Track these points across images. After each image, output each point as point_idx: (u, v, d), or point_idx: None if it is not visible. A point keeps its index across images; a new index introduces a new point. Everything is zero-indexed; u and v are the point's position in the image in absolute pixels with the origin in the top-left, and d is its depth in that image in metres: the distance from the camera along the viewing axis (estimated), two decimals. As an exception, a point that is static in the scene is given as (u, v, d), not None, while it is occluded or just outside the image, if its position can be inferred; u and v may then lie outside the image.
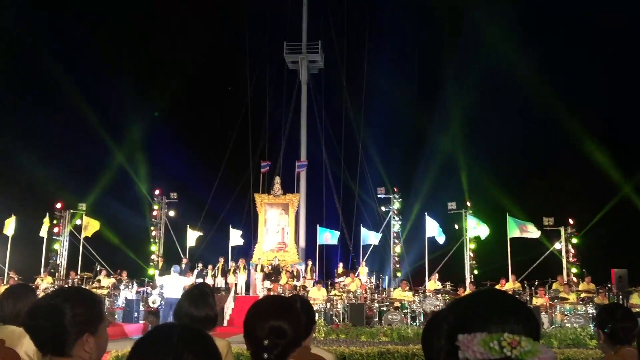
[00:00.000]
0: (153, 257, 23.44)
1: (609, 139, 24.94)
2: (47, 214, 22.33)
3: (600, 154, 24.04)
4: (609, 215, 22.58)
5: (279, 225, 24.54)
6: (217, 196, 27.06)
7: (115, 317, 17.73)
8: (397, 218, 23.44)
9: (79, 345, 1.83)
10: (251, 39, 29.35)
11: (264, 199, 24.68)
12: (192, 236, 23.71)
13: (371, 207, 26.17)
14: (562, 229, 21.31)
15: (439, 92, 29.19)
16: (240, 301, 20.11)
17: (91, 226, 22.63)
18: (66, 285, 16.97)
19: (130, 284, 19.71)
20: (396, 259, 23.05)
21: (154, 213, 24.20)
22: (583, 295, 17.29)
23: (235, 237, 23.94)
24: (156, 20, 29.49)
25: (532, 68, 25.60)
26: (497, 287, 16.93)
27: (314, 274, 22.16)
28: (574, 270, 20.88)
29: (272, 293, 18.01)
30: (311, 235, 24.58)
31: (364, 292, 18.71)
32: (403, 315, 16.48)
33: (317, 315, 15.43)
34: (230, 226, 24.08)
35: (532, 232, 20.99)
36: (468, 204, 22.28)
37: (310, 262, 22.61)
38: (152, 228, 24.05)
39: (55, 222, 22.58)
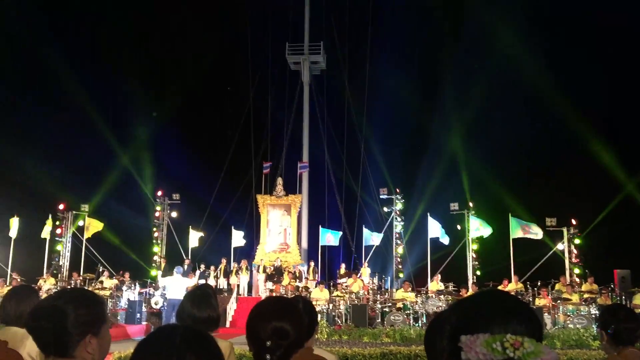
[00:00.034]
0: (155, 258, 23.45)
1: (612, 138, 24.87)
2: (50, 216, 22.35)
3: (603, 153, 23.96)
4: (611, 215, 22.53)
5: (281, 226, 24.54)
6: (220, 197, 27.15)
7: (118, 318, 17.75)
8: (399, 219, 23.42)
9: (82, 347, 1.84)
10: (253, 40, 29.49)
11: (266, 200, 24.68)
12: (194, 237, 23.73)
13: (373, 208, 26.19)
14: (564, 230, 21.27)
15: (441, 92, 29.20)
16: (243, 302, 20.10)
17: (93, 227, 22.64)
18: (69, 287, 17.00)
19: (132, 285, 19.73)
20: (398, 259, 23.03)
21: (157, 214, 24.23)
22: (586, 296, 17.24)
23: (238, 238, 23.94)
24: (158, 21, 29.54)
25: (534, 68, 25.58)
26: (499, 287, 16.93)
27: (316, 275, 22.15)
28: (576, 270, 20.84)
29: (274, 294, 18.01)
30: (313, 236, 24.58)
31: (366, 293, 18.69)
32: (405, 316, 16.45)
33: (319, 316, 15.44)
34: (233, 227, 24.10)
35: (535, 232, 20.95)
36: (470, 204, 22.25)
37: (312, 263, 22.61)
38: (154, 229, 24.07)
39: (57, 223, 22.60)
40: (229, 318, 19.01)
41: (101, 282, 19.69)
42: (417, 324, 16.23)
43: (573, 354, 10.13)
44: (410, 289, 18.13)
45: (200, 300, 3.22)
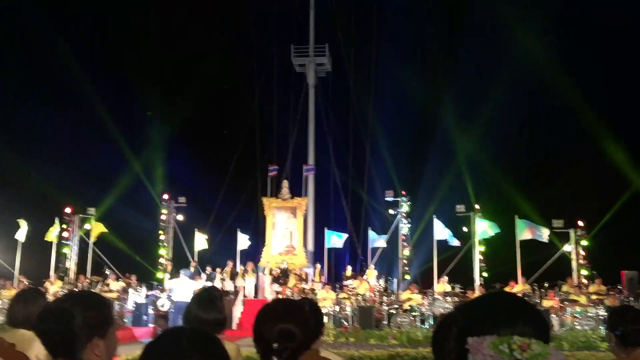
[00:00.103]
0: (162, 260, 23.50)
1: (619, 135, 24.61)
2: (57, 219, 22.44)
3: (610, 151, 23.75)
4: (619, 214, 22.35)
5: (287, 229, 24.53)
6: (226, 200, 27.14)
7: (125, 320, 17.81)
8: (405, 221, 23.37)
9: (89, 349, 1.85)
10: (258, 42, 29.46)
11: (272, 202, 24.68)
12: (200, 240, 23.76)
13: (379, 210, 26.13)
14: (571, 231, 21.17)
15: (448, 93, 29.09)
16: (249, 304, 20.11)
17: (96, 229, 22.68)
18: (76, 289, 17.09)
19: (139, 288, 19.78)
20: (405, 261, 22.97)
21: (163, 217, 24.28)
22: (593, 297, 17.14)
23: (244, 241, 23.95)
24: (162, 24, 29.62)
25: (541, 69, 25.45)
26: (506, 289, 16.86)
27: (323, 277, 22.14)
28: (584, 272, 20.72)
29: (280, 296, 18.01)
30: (319, 239, 24.56)
31: (372, 294, 18.64)
32: (412, 318, 16.41)
33: (325, 318, 15.43)
34: (239, 230, 24.11)
35: (542, 234, 20.86)
36: (477, 206, 22.16)
37: (318, 265, 22.60)
38: (160, 232, 24.12)
39: (65, 226, 22.68)
40: (236, 320, 19.01)
41: (108, 285, 19.74)
42: (424, 326, 16.18)
43: (581, 356, 10.09)
44: (417, 290, 18.08)
45: (206, 302, 3.23)
